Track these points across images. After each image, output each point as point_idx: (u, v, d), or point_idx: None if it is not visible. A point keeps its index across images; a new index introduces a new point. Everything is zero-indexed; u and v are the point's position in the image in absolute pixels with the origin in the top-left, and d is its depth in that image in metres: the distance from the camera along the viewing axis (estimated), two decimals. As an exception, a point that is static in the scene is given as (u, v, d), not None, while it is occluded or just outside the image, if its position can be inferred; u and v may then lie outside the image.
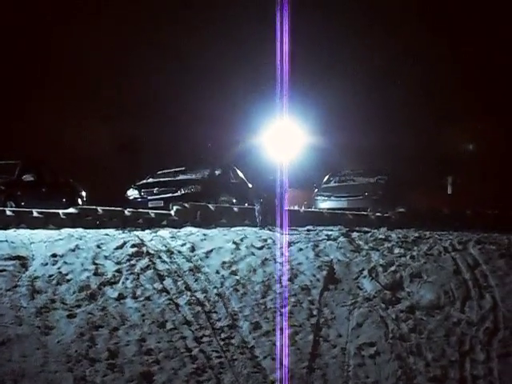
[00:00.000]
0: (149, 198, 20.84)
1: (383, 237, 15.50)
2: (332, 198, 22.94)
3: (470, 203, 22.97)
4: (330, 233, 15.59)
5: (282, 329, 10.72)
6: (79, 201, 21.24)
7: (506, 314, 11.53)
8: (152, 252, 13.22)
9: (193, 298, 11.47)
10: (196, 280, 12.15)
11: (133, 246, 13.40)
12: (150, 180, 22.05)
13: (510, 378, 9.82)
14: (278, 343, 10.34)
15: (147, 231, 15.31)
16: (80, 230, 14.98)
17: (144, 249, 13.34)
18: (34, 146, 29.23)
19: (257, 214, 16.84)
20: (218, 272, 12.49)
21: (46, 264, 12.25)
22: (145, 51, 34.13)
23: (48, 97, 32.58)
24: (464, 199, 24.12)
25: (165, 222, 17.07)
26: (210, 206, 18.32)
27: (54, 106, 32.10)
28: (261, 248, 13.84)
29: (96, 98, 33.46)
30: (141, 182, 21.96)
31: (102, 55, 33.29)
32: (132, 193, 21.39)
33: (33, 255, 12.66)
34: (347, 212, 20.17)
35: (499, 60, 33.33)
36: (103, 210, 17.20)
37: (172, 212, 17.69)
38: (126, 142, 33.90)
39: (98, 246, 13.30)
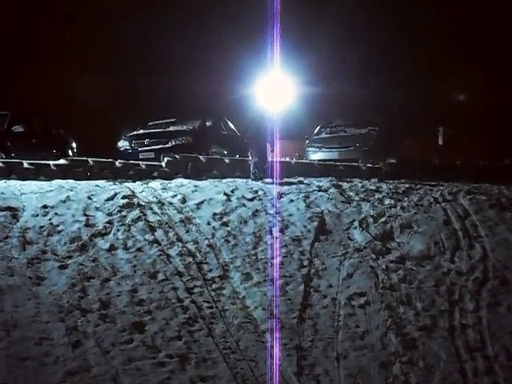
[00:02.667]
0: (139, 149, 20.75)
1: (374, 188, 15.56)
2: (323, 149, 22.87)
3: (460, 154, 23.00)
4: (320, 184, 15.63)
5: (272, 279, 10.77)
6: (70, 152, 21.15)
7: (495, 263, 11.61)
8: (143, 203, 13.24)
9: (184, 248, 11.51)
10: (187, 231, 12.18)
11: (124, 197, 13.42)
12: (141, 131, 21.95)
13: (498, 327, 9.91)
14: (268, 294, 10.39)
15: (138, 182, 15.31)
16: (71, 181, 14.97)
17: (135, 200, 13.35)
18: (25, 97, 29.02)
19: (252, 166, 16.68)
20: (209, 223, 12.53)
21: (37, 215, 12.27)
22: (138, 3, 33.83)
23: (40, 48, 32.29)
24: (455, 150, 24.12)
25: (156, 174, 17.04)
26: (200, 157, 18.28)
27: (45, 58, 31.83)
28: (252, 199, 13.87)
29: (88, 50, 33.17)
30: (131, 134, 21.86)
31: (94, 7, 32.97)
32: (123, 144, 21.30)
33: (24, 206, 12.67)
34: (338, 163, 20.16)
35: (492, 10, 33.11)
36: (94, 161, 17.15)
37: (163, 163, 17.66)
38: (117, 94, 33.68)
39: (89, 198, 13.31)
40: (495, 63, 32.64)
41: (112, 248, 11.29)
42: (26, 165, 16.15)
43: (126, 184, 14.94)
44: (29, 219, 12.08)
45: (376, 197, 14.62)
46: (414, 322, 9.93)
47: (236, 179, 16.28)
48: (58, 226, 11.88)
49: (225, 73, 31.27)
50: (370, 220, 13.13)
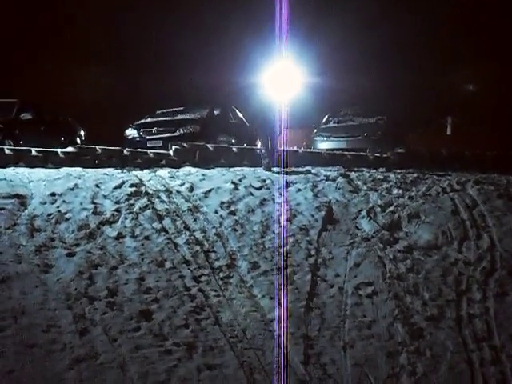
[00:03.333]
0: (147, 137, 20.73)
1: (382, 177, 15.53)
2: (331, 138, 22.79)
3: (468, 144, 22.94)
4: (328, 173, 15.59)
5: (280, 268, 10.78)
6: (78, 140, 21.19)
7: (503, 253, 11.59)
8: (151, 192, 13.25)
9: (191, 237, 11.52)
10: (195, 220, 12.19)
11: (132, 185, 13.43)
12: (149, 120, 21.92)
13: (505, 317, 9.91)
14: (276, 283, 10.40)
15: (146, 171, 15.32)
16: (79, 169, 14.99)
17: (143, 188, 13.36)
18: (34, 85, 29.07)
19: (262, 155, 16.43)
20: (216, 212, 12.53)
21: (45, 203, 12.29)
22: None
23: (47, 39, 32.33)
24: (463, 140, 24.05)
25: (163, 162, 17.04)
26: (208, 146, 18.26)
27: (53, 48, 31.87)
28: (259, 188, 13.87)
29: (96, 40, 33.20)
30: (139, 122, 21.83)
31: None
32: (130, 132, 21.29)
33: (32, 194, 12.69)
34: (346, 152, 20.13)
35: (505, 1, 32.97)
36: (102, 149, 17.17)
37: (171, 152, 17.65)
38: (126, 83, 33.67)
39: (97, 186, 13.32)
40: (506, 53, 32.50)
41: (120, 236, 11.30)
42: (34, 152, 16.18)
43: (134, 172, 14.95)
44: (37, 207, 12.11)
45: (384, 186, 14.59)
46: (421, 312, 9.93)
47: (244, 168, 16.26)
48: (65, 213, 11.91)
49: (233, 61, 31.22)
50: (378, 209, 13.12)
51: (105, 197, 12.80)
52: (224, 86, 29.95)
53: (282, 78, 18.38)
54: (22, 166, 15.16)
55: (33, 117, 19.17)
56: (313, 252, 11.39)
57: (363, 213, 12.94)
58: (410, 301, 10.18)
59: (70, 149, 17.04)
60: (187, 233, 11.65)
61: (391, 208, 13.19)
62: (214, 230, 11.83)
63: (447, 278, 10.83)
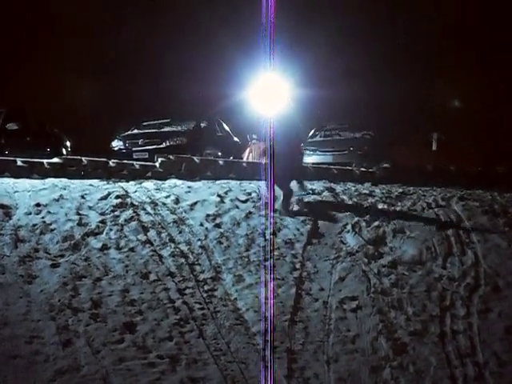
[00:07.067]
0: (133, 149, 20.73)
1: (367, 192, 15.58)
2: (317, 152, 22.88)
3: (454, 160, 23.05)
4: (314, 187, 15.61)
5: (264, 282, 10.77)
6: (64, 150, 21.12)
7: (487, 270, 11.64)
8: (136, 203, 13.22)
9: (176, 249, 11.49)
10: (180, 232, 12.17)
11: (117, 197, 13.39)
12: (135, 131, 21.93)
13: (489, 334, 9.93)
14: (260, 296, 10.39)
15: (132, 182, 15.28)
16: (64, 179, 14.93)
17: (128, 200, 13.33)
18: (20, 95, 29.01)
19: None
20: (201, 224, 12.52)
21: (30, 213, 12.23)
22: (131, 4, 33.96)
23: (33, 48, 32.31)
24: (448, 155, 24.17)
25: (149, 174, 16.99)
26: (194, 158, 18.24)
27: (39, 58, 31.85)
28: (245, 201, 13.87)
29: (82, 50, 33.21)
30: (126, 133, 21.84)
31: (88, 10, 33.10)
32: (117, 144, 21.27)
33: (16, 204, 12.63)
34: (332, 167, 20.18)
35: (489, 15, 33.22)
36: (88, 160, 17.09)
37: (157, 164, 17.62)
38: (113, 94, 33.64)
39: (82, 197, 13.28)
40: (490, 69, 32.72)
41: (104, 247, 11.26)
42: (19, 163, 16.08)
43: (120, 184, 14.91)
44: (21, 217, 12.05)
45: (369, 201, 14.64)
46: (404, 327, 9.93)
47: (230, 181, 16.25)
48: (50, 224, 11.85)
49: (219, 74, 31.31)
50: (363, 224, 13.15)
51: (90, 208, 12.76)
52: (211, 99, 30.00)
53: (270, 92, 18.39)
54: (7, 177, 15.07)
55: (19, 127, 19.08)
56: (298, 266, 11.39)
57: (348, 227, 12.96)
58: (393, 316, 10.19)
59: (55, 159, 16.95)
60: (172, 245, 11.63)
61: (376, 223, 13.22)
62: (199, 243, 11.82)
63: (431, 293, 10.85)
